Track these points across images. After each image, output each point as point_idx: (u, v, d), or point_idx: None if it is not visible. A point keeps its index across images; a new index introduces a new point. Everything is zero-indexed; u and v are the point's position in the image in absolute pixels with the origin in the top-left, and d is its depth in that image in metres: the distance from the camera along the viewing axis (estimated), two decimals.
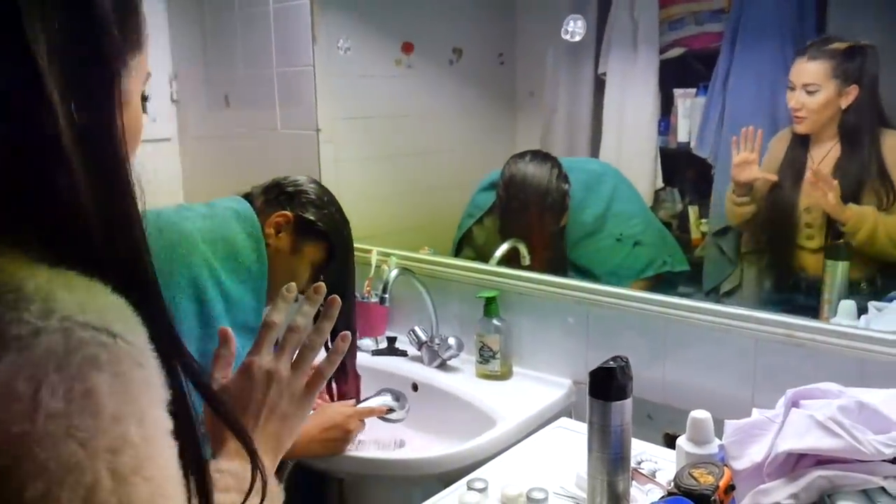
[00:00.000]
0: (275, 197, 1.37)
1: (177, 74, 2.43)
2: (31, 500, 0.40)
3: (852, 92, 1.62)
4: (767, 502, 0.86)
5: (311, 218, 1.34)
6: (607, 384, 0.95)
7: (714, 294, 2.00)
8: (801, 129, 1.71)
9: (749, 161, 1.76)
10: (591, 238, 1.92)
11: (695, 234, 2.29)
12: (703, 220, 2.24)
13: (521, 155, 1.95)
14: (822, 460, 0.85)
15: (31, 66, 0.44)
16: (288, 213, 1.34)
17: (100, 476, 0.41)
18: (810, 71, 1.65)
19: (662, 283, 1.89)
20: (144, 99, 0.60)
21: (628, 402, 0.95)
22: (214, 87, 2.32)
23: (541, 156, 1.95)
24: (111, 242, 0.49)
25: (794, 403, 0.92)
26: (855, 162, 1.63)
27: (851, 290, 1.58)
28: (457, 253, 2.05)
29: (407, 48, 2.28)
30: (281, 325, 0.77)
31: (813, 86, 1.65)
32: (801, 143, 1.74)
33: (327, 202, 1.38)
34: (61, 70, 0.45)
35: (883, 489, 0.82)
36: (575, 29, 2.03)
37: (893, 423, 0.85)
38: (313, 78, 2.00)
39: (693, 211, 2.33)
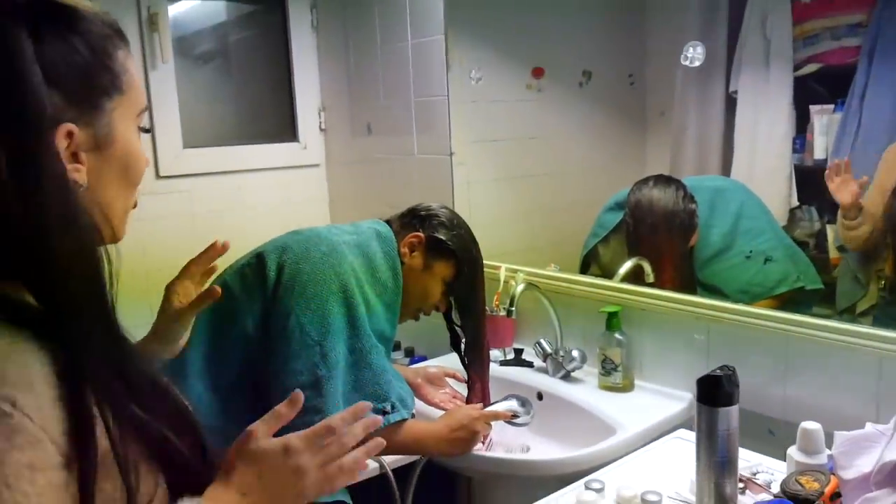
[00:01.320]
0: (409, 220, 1.51)
1: (325, 106, 2.66)
2: None
3: None
4: None
5: (442, 238, 1.48)
6: (714, 391, 1.00)
7: (849, 314, 1.94)
8: None
9: (846, 181, 1.76)
10: (721, 256, 1.93)
11: (833, 254, 2.22)
12: None
13: (645, 181, 2.00)
14: None
15: None
16: (420, 233, 1.48)
17: None
18: None
19: (796, 303, 1.86)
20: (146, 130, 0.73)
21: (734, 408, 1.00)
22: (358, 117, 2.52)
23: (664, 179, 1.98)
24: (53, 274, 0.59)
25: None
26: None
27: None
28: (583, 270, 2.10)
29: (537, 73, 2.36)
30: (339, 433, 0.80)
31: None
32: None
33: (456, 224, 1.51)
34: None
35: None
36: (695, 55, 2.07)
37: None
38: (447, 106, 2.14)
39: (831, 229, 2.26)
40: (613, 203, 2.07)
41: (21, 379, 0.56)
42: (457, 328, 1.58)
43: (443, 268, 1.50)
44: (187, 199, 2.40)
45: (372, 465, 1.92)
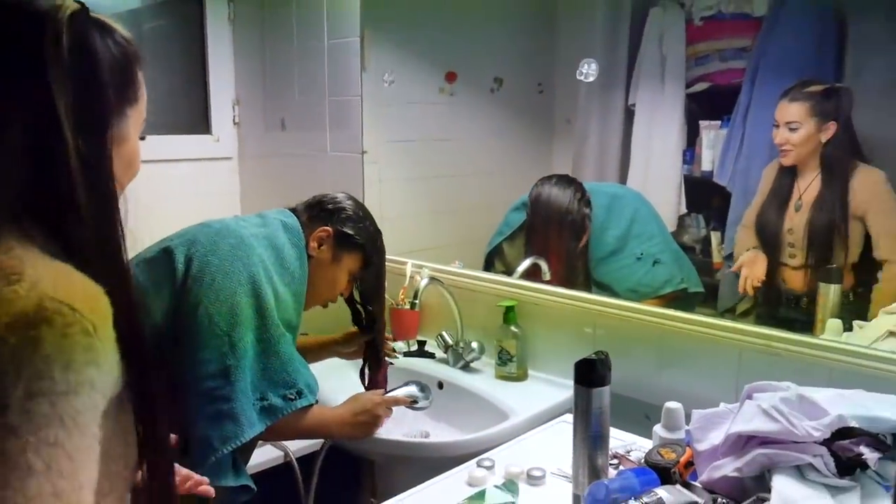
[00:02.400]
0: (317, 213, 1.56)
1: (239, 100, 2.67)
2: None
3: (831, 127, 1.81)
4: (718, 475, 1.02)
5: (350, 232, 1.54)
6: (589, 374, 1.11)
7: (730, 314, 2.12)
8: (786, 161, 1.89)
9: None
10: (613, 257, 2.07)
11: (717, 259, 2.40)
12: (724, 246, 2.37)
13: (549, 178, 2.12)
14: (764, 441, 1.00)
15: (55, 116, 0.67)
16: (329, 228, 1.54)
17: (14, 382, 0.61)
18: (791, 111, 1.85)
19: (680, 303, 2.02)
20: (141, 138, 0.85)
21: (606, 389, 1.12)
22: (272, 112, 2.55)
23: (566, 180, 2.11)
24: (96, 241, 0.71)
25: (749, 396, 1.08)
26: (831, 194, 1.79)
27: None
28: (487, 267, 2.21)
29: (450, 77, 2.45)
30: None
31: (794, 123, 1.84)
32: (789, 173, 1.91)
33: (363, 216, 1.57)
34: (73, 118, 0.68)
35: (811, 465, 0.97)
36: (588, 71, 2.22)
37: (826, 413, 0.99)
38: (360, 106, 2.20)
39: (715, 236, 2.44)
40: (520, 203, 2.18)
41: (104, 313, 0.67)
42: (358, 306, 1.65)
43: (351, 260, 1.56)
44: None
45: (276, 454, 1.97)
